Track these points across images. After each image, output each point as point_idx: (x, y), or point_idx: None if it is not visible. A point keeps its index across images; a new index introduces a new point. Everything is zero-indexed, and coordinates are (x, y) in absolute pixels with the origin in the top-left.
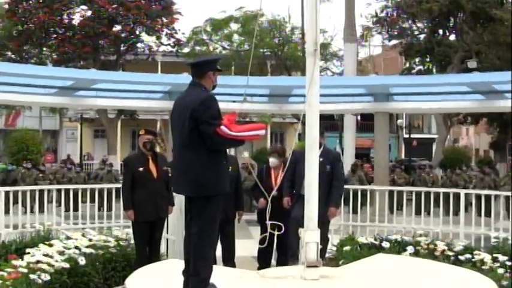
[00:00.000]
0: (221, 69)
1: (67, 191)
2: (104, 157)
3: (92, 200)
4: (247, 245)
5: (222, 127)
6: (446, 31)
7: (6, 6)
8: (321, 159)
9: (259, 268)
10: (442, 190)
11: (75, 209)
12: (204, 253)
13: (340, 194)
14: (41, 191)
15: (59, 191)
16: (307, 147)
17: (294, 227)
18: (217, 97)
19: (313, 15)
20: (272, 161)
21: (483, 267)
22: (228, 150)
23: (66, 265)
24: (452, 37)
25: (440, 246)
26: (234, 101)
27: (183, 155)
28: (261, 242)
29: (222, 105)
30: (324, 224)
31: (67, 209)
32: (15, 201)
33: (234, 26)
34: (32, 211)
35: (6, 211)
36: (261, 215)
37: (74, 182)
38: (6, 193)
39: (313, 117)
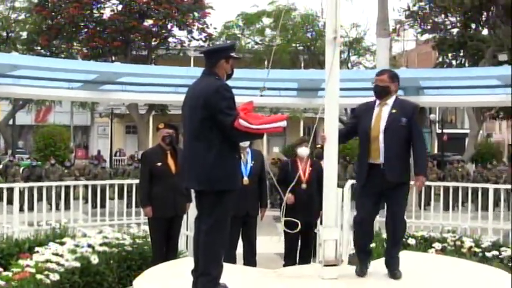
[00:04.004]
0: (237, 56)
1: (87, 186)
2: (136, 153)
3: (115, 197)
4: (273, 241)
5: (240, 121)
6: (479, 25)
7: (36, 0)
8: (393, 111)
9: (286, 266)
10: (470, 185)
11: (102, 205)
12: (214, 252)
13: (426, 158)
14: (63, 187)
15: (75, 187)
16: (326, 141)
17: (356, 226)
18: (238, 90)
19: (333, 2)
20: (303, 150)
21: (510, 264)
22: (250, 143)
23: (77, 264)
24: (485, 31)
25: (468, 242)
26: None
27: (193, 147)
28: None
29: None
30: (398, 200)
31: (94, 206)
32: (40, 198)
33: (266, 21)
34: (57, 208)
35: (30, 208)
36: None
37: (99, 178)
38: (29, 189)
39: (332, 110)
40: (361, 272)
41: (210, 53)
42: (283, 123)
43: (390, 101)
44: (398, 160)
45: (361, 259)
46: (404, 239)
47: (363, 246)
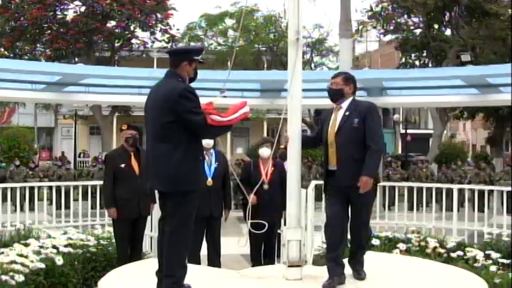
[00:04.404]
0: (202, 60)
1: (51, 187)
2: (99, 154)
3: (82, 198)
4: (237, 242)
5: (214, 116)
6: (442, 26)
7: None
8: (347, 113)
9: (253, 267)
10: (434, 185)
11: (66, 207)
12: (178, 253)
13: (376, 159)
14: (31, 188)
15: (40, 188)
16: (289, 143)
17: (325, 231)
18: (200, 92)
19: (295, 3)
20: (264, 150)
21: (475, 264)
22: (214, 144)
23: (42, 265)
24: (448, 32)
25: (432, 243)
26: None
27: (157, 148)
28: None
29: (205, 100)
30: (360, 204)
31: (58, 207)
32: (4, 199)
33: (229, 22)
34: (21, 209)
35: None
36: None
37: (63, 179)
38: None
39: (295, 111)
40: (329, 285)
41: (174, 53)
42: (247, 108)
43: (345, 103)
44: (351, 163)
45: (331, 270)
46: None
47: (335, 254)
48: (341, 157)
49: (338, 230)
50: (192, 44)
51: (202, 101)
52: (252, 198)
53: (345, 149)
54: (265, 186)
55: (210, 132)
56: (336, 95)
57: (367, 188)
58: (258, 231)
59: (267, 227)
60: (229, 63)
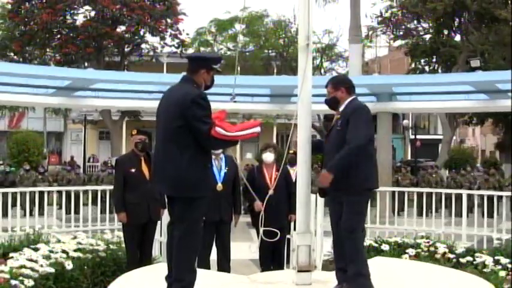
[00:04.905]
0: (219, 69)
1: (60, 192)
2: (109, 159)
3: (92, 203)
4: (246, 247)
5: (217, 129)
6: (451, 31)
7: (9, 6)
8: (338, 117)
9: (262, 271)
10: (444, 191)
11: (76, 211)
12: (187, 258)
13: (345, 155)
14: (40, 193)
15: (49, 193)
16: (298, 148)
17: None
18: (210, 97)
19: (305, 9)
20: (267, 155)
21: (485, 270)
22: (224, 149)
23: (52, 270)
24: (457, 38)
25: (441, 248)
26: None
27: (165, 152)
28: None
29: (215, 105)
30: (346, 211)
31: (68, 212)
32: (14, 204)
33: (238, 27)
34: (31, 214)
35: (4, 213)
36: (256, 218)
37: (73, 183)
38: (2, 195)
39: (305, 116)
40: None
41: (193, 59)
42: (258, 129)
43: (342, 108)
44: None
45: (340, 277)
46: (377, 244)
47: (339, 264)
48: (328, 161)
49: (341, 239)
50: (202, 49)
51: (213, 106)
52: (258, 205)
53: (331, 153)
54: (270, 192)
55: (212, 144)
56: (332, 104)
57: (323, 183)
58: (269, 239)
59: (279, 235)
60: (238, 68)
